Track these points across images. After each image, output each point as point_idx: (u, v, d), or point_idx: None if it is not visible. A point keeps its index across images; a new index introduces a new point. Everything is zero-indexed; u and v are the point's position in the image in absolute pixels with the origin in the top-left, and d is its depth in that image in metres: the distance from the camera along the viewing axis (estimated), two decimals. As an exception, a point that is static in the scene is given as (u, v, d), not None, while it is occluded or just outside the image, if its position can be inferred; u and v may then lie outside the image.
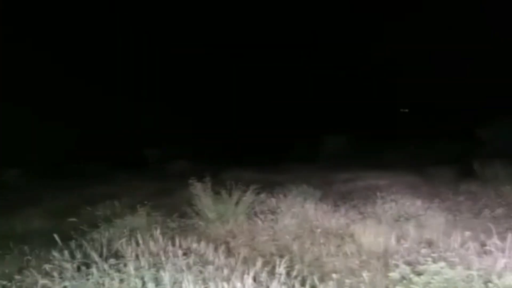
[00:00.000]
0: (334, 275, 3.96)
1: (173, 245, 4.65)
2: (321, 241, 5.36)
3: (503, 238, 4.69)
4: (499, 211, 6.74)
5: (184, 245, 4.74)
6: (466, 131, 14.39)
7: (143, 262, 4.14)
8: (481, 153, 12.17)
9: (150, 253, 4.49)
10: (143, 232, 5.22)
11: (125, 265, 4.12)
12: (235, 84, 22.23)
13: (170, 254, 4.35)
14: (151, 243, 4.72)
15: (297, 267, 4.28)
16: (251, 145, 19.27)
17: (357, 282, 3.85)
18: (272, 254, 5.00)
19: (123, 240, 4.77)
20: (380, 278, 4.01)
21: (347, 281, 3.87)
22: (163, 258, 4.18)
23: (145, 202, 6.49)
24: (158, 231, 5.01)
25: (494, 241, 4.65)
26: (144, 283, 3.84)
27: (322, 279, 4.13)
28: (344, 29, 20.81)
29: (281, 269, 3.61)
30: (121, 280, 3.88)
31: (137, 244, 4.73)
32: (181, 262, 4.16)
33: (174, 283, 3.79)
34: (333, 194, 8.44)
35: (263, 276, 3.66)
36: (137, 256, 4.35)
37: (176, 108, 21.00)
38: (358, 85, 21.51)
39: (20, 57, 16.96)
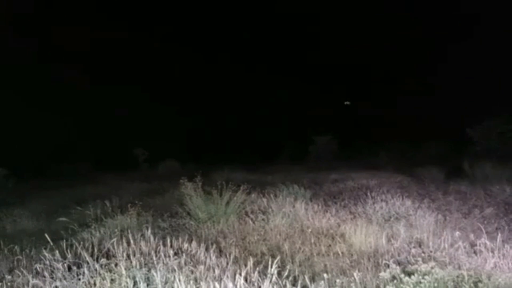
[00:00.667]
0: (325, 275, 3.96)
1: (164, 245, 4.61)
2: (312, 241, 5.36)
3: (492, 238, 4.78)
4: (489, 210, 6.82)
5: (175, 245, 4.71)
6: (455, 131, 14.54)
7: (134, 261, 4.11)
8: (471, 153, 12.32)
9: (141, 253, 4.46)
10: (134, 232, 5.17)
11: (116, 265, 4.08)
12: (226, 84, 22.16)
13: (162, 254, 4.32)
14: (142, 243, 4.68)
15: (288, 267, 4.29)
16: (242, 145, 19.26)
17: (347, 282, 3.85)
18: (263, 254, 4.98)
19: (114, 240, 4.71)
20: (371, 277, 4.02)
21: (338, 281, 3.87)
22: (154, 258, 4.16)
23: (136, 202, 6.43)
24: (149, 231, 4.97)
25: (483, 241, 4.73)
26: (135, 283, 3.80)
27: (313, 279, 4.14)
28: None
29: (272, 269, 3.57)
30: (112, 280, 3.84)
31: (128, 244, 4.68)
32: (173, 262, 4.14)
33: (166, 283, 3.76)
34: (323, 194, 8.47)
35: (255, 276, 3.65)
36: (128, 256, 4.32)
37: (165, 108, 20.85)
38: (347, 86, 21.66)
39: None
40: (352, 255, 4.96)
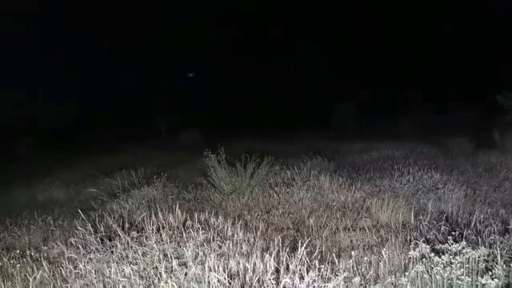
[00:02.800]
0: (352, 252, 3.94)
1: (192, 219, 4.67)
2: (338, 215, 5.34)
3: (525, 216, 4.62)
4: (519, 184, 6.60)
5: (202, 219, 4.77)
6: (485, 98, 13.92)
7: (164, 236, 4.19)
8: (501, 121, 11.80)
9: (170, 227, 4.54)
10: (160, 203, 5.26)
11: (146, 238, 4.17)
12: (248, 54, 21.74)
13: (189, 228, 4.39)
14: (170, 216, 4.75)
15: (314, 242, 4.30)
16: (263, 115, 19.08)
17: (376, 260, 3.83)
18: (288, 228, 5.01)
19: (143, 213, 4.80)
20: (399, 255, 3.98)
21: (365, 258, 3.85)
22: (183, 233, 4.22)
23: (160, 173, 6.51)
24: (177, 205, 5.04)
25: (516, 219, 4.58)
26: (165, 256, 3.89)
27: (339, 255, 4.14)
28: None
29: (301, 249, 3.57)
30: (144, 253, 3.94)
31: (156, 216, 4.77)
32: (200, 236, 4.19)
33: (195, 257, 3.83)
34: (347, 165, 8.34)
35: (283, 254, 3.66)
36: (157, 229, 4.40)
37: (188, 79, 20.75)
38: (370, 54, 20.84)
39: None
40: (378, 230, 4.92)
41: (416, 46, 19.70)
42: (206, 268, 3.42)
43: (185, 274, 3.45)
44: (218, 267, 3.44)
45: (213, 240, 4.14)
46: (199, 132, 13.79)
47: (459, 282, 3.34)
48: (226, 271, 3.42)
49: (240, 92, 21.13)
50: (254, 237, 4.25)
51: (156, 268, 3.66)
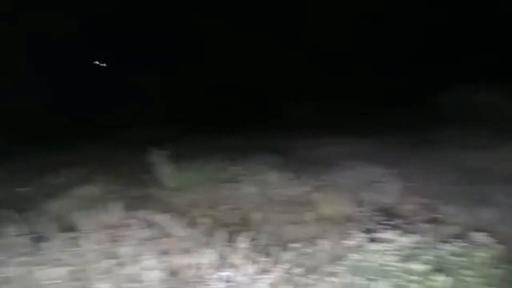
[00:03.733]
0: (294, 245, 4.03)
1: (132, 216, 4.54)
2: (283, 209, 5.43)
3: (453, 205, 4.97)
4: (453, 176, 7.03)
5: (144, 216, 4.65)
6: (426, 98, 14.79)
7: (100, 235, 4.04)
8: (439, 118, 12.60)
9: (108, 226, 4.39)
10: (99, 202, 5.07)
11: (81, 239, 4.00)
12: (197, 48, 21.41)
13: (129, 226, 4.26)
14: (109, 215, 4.59)
15: (259, 236, 4.34)
16: (214, 109, 18.94)
17: (316, 251, 3.94)
18: (234, 224, 5.01)
19: (79, 212, 4.60)
20: (338, 245, 4.12)
21: (307, 250, 3.94)
22: (121, 231, 4.09)
23: (100, 170, 6.26)
24: (116, 202, 4.87)
25: (445, 208, 4.92)
26: (103, 257, 3.75)
27: (284, 248, 4.21)
28: None
29: (245, 243, 3.59)
30: (79, 254, 3.77)
31: (94, 215, 4.59)
32: (141, 234, 4.09)
33: (134, 257, 3.72)
34: (296, 161, 8.50)
35: (226, 248, 3.66)
36: (95, 229, 4.24)
37: (132, 67, 19.98)
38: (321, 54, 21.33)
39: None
40: (321, 223, 5.06)
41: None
42: (146, 267, 3.34)
43: (123, 274, 3.34)
44: (158, 264, 3.37)
45: (155, 237, 4.06)
46: (145, 127, 13.33)
47: (391, 268, 3.52)
48: (165, 268, 3.36)
49: (192, 84, 20.80)
50: (198, 233, 4.21)
51: (93, 269, 3.52)
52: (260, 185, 6.35)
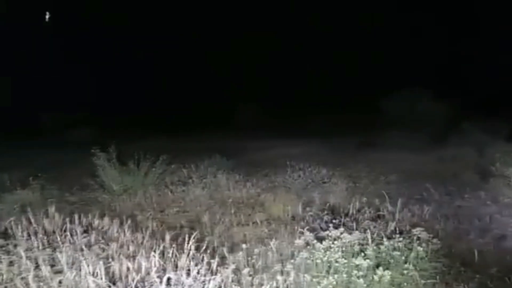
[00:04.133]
0: (243, 245, 4.01)
1: (72, 222, 4.28)
2: (232, 211, 5.40)
3: (394, 203, 5.23)
4: (393, 177, 7.46)
5: (85, 222, 4.40)
6: (368, 102, 15.49)
7: (36, 242, 3.76)
8: (380, 122, 13.24)
9: (45, 232, 4.10)
10: (36, 208, 4.72)
11: (15, 246, 3.70)
12: (148, 48, 20.83)
13: (68, 232, 4.01)
14: (46, 221, 4.29)
15: (207, 239, 4.27)
16: (163, 112, 18.48)
17: (265, 251, 3.95)
18: (182, 227, 4.90)
19: (12, 218, 4.25)
20: (287, 245, 4.17)
21: (256, 250, 3.94)
22: (59, 237, 3.84)
23: (39, 174, 5.84)
24: (54, 207, 4.56)
25: (386, 206, 5.17)
26: (38, 265, 3.48)
27: (232, 249, 4.18)
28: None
29: (190, 244, 3.50)
30: (11, 263, 3.48)
31: (29, 222, 4.27)
32: (81, 240, 3.86)
33: (73, 263, 3.50)
34: (245, 163, 8.53)
35: (172, 251, 3.55)
36: (29, 236, 3.95)
37: (80, 67, 18.93)
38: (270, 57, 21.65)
39: None
40: (270, 223, 5.10)
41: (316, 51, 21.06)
42: (84, 273, 3.14)
43: (60, 282, 3.12)
44: (99, 271, 3.18)
45: (96, 243, 3.85)
46: (91, 129, 12.68)
47: (337, 264, 3.62)
48: (107, 274, 3.19)
49: (139, 87, 20.14)
50: (143, 237, 4.05)
51: (26, 278, 3.25)
52: (209, 187, 6.29)
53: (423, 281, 3.62)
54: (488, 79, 14.66)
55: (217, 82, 21.03)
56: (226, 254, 3.78)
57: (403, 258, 3.81)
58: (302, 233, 4.30)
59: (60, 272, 3.28)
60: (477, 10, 16.32)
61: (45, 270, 3.18)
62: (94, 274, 3.10)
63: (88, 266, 3.24)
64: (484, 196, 6.25)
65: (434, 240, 4.11)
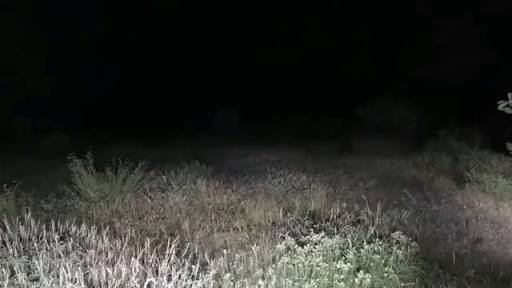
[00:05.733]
0: (224, 251, 3.98)
1: (48, 229, 4.14)
2: (213, 217, 5.35)
3: (373, 208, 5.30)
4: (371, 183, 7.58)
5: (62, 229, 4.27)
6: (346, 109, 15.76)
7: (11, 249, 3.62)
8: (359, 129, 13.49)
9: (20, 239, 3.96)
10: (11, 215, 4.55)
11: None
12: (125, 53, 20.58)
13: (45, 239, 3.88)
14: (21, 228, 4.14)
15: (187, 245, 4.21)
16: (143, 119, 18.25)
17: (246, 256, 3.93)
18: (161, 233, 4.82)
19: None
20: (268, 250, 4.16)
21: (237, 255, 3.91)
22: (35, 244, 3.71)
23: (14, 181, 5.64)
24: (29, 214, 4.41)
25: (366, 211, 5.23)
26: (13, 273, 3.35)
27: (213, 255, 4.14)
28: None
29: (171, 249, 3.45)
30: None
31: (4, 229, 4.11)
32: (58, 247, 3.74)
33: (50, 271, 3.39)
34: (226, 169, 8.49)
35: (152, 257, 3.49)
36: (4, 243, 3.80)
37: (55, 73, 18.47)
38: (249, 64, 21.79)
39: None
40: (251, 229, 5.08)
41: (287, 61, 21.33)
42: (63, 280, 3.05)
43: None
44: (77, 277, 3.09)
45: (73, 249, 3.73)
46: (67, 135, 12.34)
47: (318, 268, 3.64)
48: (85, 281, 3.10)
49: (117, 94, 19.80)
50: (122, 244, 3.96)
51: (1, 285, 3.12)
52: (189, 194, 6.22)
53: (402, 284, 3.68)
54: (463, 89, 15.18)
55: (197, 89, 20.97)
56: (207, 260, 3.74)
57: (383, 261, 3.87)
58: (283, 238, 4.32)
59: (36, 279, 3.16)
60: (451, 23, 16.97)
61: (21, 277, 3.06)
62: (72, 281, 3.00)
63: (66, 272, 3.14)
64: (460, 201, 6.44)
65: (413, 244, 4.20)
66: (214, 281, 3.35)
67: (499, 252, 4.56)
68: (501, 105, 8.19)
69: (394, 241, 4.19)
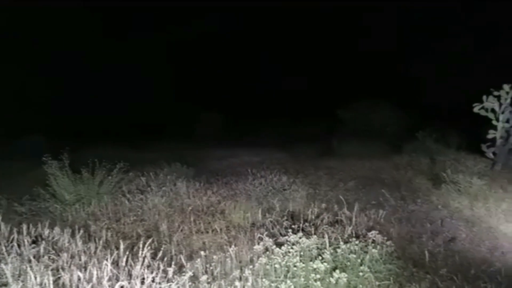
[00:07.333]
0: (202, 253, 3.95)
1: (19, 232, 4.04)
2: (192, 219, 5.31)
3: (351, 208, 5.36)
4: (351, 184, 7.65)
5: (34, 232, 4.17)
6: (328, 112, 15.92)
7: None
8: (340, 131, 13.63)
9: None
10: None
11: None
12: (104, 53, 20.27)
13: (15, 242, 3.78)
14: (-9, 232, 4.03)
15: (164, 247, 4.17)
16: (123, 121, 17.98)
17: (224, 257, 3.91)
18: (139, 236, 4.75)
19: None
20: (246, 251, 4.15)
21: (214, 257, 3.89)
22: (4, 248, 3.60)
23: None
24: (1, 217, 4.29)
25: (344, 211, 5.29)
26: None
27: (190, 257, 4.11)
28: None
29: (144, 251, 3.40)
30: None
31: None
32: (29, 251, 3.65)
33: (19, 275, 3.30)
34: (206, 171, 8.45)
35: (126, 260, 3.43)
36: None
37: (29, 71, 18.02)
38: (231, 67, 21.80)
39: None
40: (230, 231, 5.06)
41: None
42: (31, 285, 2.97)
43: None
44: (47, 282, 3.01)
45: (46, 253, 3.65)
46: (43, 137, 12.02)
47: (295, 268, 3.65)
48: (56, 286, 3.02)
49: (98, 97, 19.47)
50: (96, 247, 3.89)
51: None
52: (168, 195, 6.16)
53: (377, 283, 3.72)
54: (440, 93, 15.54)
55: (179, 91, 20.85)
56: (184, 262, 3.70)
57: (359, 260, 3.92)
58: (262, 239, 4.32)
59: (5, 285, 3.07)
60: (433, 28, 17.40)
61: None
62: (41, 285, 2.93)
63: (35, 277, 3.06)
64: (436, 201, 6.56)
65: (388, 243, 4.26)
66: (190, 283, 3.32)
67: (471, 250, 4.67)
68: (476, 108, 8.53)
69: (370, 240, 4.23)
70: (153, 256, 3.72)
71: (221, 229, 5.09)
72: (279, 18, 20.87)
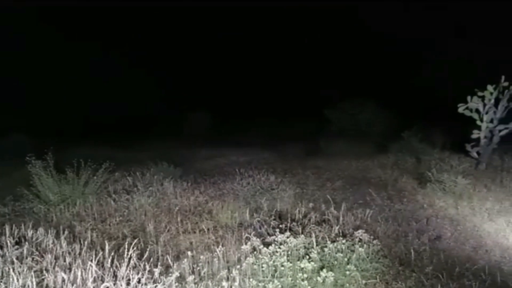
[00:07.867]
0: (189, 253, 3.92)
1: (3, 233, 3.95)
2: (179, 219, 5.27)
3: (339, 208, 5.39)
4: (339, 183, 7.70)
5: (17, 233, 4.09)
6: (316, 112, 15.98)
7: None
8: (328, 131, 13.70)
9: (-31, 246, 3.75)
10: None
11: None
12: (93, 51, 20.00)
13: (-3, 244, 3.70)
14: (-29, 234, 3.93)
15: (151, 248, 4.13)
16: (111, 121, 17.76)
17: (211, 257, 3.89)
18: (125, 236, 4.70)
19: None
20: (233, 251, 4.14)
21: (202, 257, 3.87)
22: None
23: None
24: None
25: (331, 211, 5.31)
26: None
27: (177, 258, 4.08)
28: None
29: (130, 252, 3.36)
30: None
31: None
32: (12, 252, 3.57)
33: (2, 277, 3.22)
34: (194, 171, 8.40)
35: (111, 261, 3.38)
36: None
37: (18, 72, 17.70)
38: (220, 64, 21.76)
39: None
40: (217, 231, 5.04)
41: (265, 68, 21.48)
42: (14, 287, 2.90)
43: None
44: (30, 283, 2.96)
45: (30, 254, 3.58)
46: (27, 136, 11.78)
47: (282, 268, 3.65)
48: (36, 287, 2.97)
49: (86, 95, 19.19)
50: (81, 248, 3.83)
51: None
52: (155, 195, 6.10)
53: (364, 281, 3.75)
54: (426, 94, 15.78)
55: (166, 91, 20.69)
56: (171, 262, 3.67)
57: (346, 259, 3.94)
58: (249, 239, 4.31)
59: (-16, 287, 3.00)
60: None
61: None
62: (24, 287, 2.87)
63: (18, 279, 3.00)
64: (422, 200, 6.64)
65: (375, 242, 4.29)
66: (177, 284, 3.29)
67: (456, 248, 4.74)
68: (461, 108, 8.67)
69: (357, 239, 4.26)
70: (139, 257, 3.69)
71: (208, 229, 5.06)
72: (265, 17, 20.94)
